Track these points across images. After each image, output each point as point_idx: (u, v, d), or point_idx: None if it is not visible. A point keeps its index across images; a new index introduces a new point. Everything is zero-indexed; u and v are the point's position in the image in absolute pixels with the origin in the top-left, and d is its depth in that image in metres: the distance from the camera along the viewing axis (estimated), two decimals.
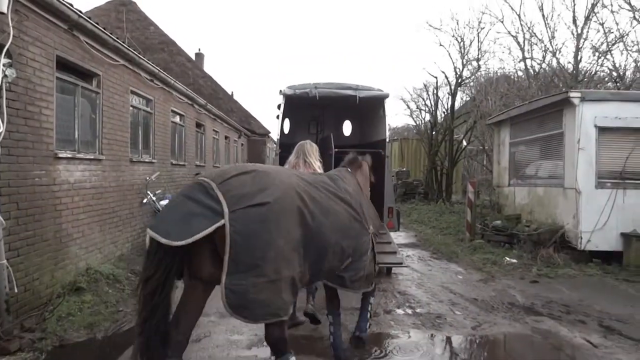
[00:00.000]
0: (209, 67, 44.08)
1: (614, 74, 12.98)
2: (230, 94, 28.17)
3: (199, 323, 4.89)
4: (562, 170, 8.39)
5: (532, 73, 14.81)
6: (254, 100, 75.09)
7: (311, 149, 5.00)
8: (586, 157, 7.85)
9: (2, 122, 4.21)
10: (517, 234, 8.83)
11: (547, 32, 14.18)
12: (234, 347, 4.35)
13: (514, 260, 7.97)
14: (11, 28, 4.35)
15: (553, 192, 8.69)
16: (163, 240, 2.59)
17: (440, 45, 18.91)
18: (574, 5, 13.17)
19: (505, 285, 6.69)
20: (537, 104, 9.30)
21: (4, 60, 4.30)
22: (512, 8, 16.48)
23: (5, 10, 4.24)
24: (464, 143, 18.53)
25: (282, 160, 7.98)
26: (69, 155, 5.75)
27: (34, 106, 4.94)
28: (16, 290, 4.36)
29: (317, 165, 4.95)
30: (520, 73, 15.95)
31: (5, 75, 4.32)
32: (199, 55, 29.01)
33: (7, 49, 4.33)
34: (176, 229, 2.61)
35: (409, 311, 5.46)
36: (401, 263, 7.19)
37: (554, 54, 14.01)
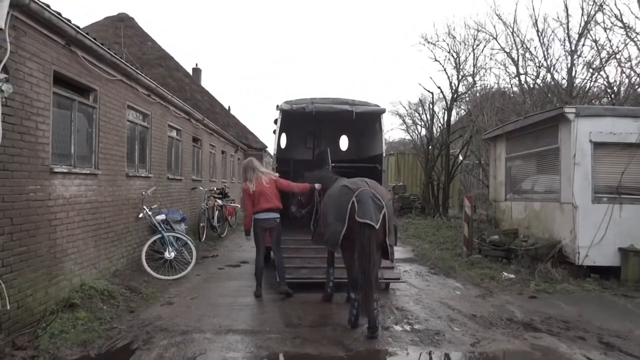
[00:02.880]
0: (206, 82, 44.28)
1: (609, 90, 13.11)
2: (227, 108, 28.31)
3: (194, 340, 4.84)
4: (559, 185, 8.41)
5: (527, 89, 14.95)
6: (251, 115, 75.27)
7: (259, 163, 6.98)
8: (582, 172, 7.88)
9: None
10: (514, 249, 8.81)
11: (542, 48, 14.31)
12: None
13: (512, 276, 7.94)
14: (8, 44, 4.37)
15: (550, 207, 8.70)
16: (375, 225, 4.98)
17: (436, 60, 19.00)
18: (568, 22, 13.35)
19: (504, 301, 6.65)
20: (532, 119, 9.36)
21: (1, 76, 4.30)
22: (505, 25, 16.66)
23: (2, 26, 4.25)
24: (460, 158, 18.59)
25: (280, 174, 7.97)
26: (65, 170, 5.72)
27: (30, 121, 4.93)
28: (9, 307, 4.29)
29: (272, 173, 6.94)
30: (515, 89, 16.10)
31: (1, 91, 4.31)
32: (197, 70, 29.18)
33: (4, 65, 4.34)
34: (374, 218, 4.99)
35: (407, 327, 5.40)
36: (399, 278, 7.16)
37: (548, 70, 14.16)
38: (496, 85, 17.50)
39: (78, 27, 5.67)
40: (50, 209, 5.36)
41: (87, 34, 5.98)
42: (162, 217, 8.45)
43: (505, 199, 10.80)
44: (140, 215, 8.16)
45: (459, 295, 7.05)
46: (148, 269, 7.62)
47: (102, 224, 6.86)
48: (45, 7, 4.87)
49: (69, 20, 5.45)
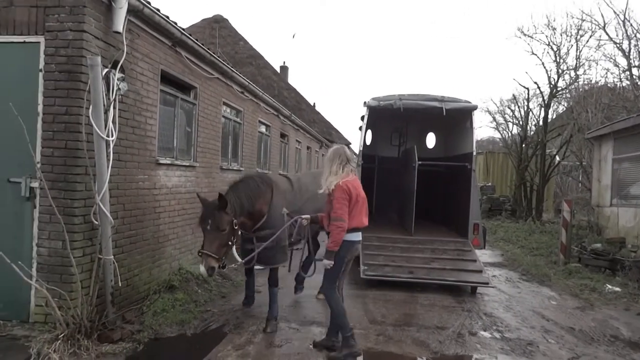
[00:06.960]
0: (292, 79, 45.47)
1: None
2: (312, 105, 28.81)
3: (280, 328, 5.00)
4: None
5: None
6: (335, 111, 76.10)
7: (351, 155, 4.91)
8: None
9: (115, 130, 4.64)
10: (620, 260, 8.01)
11: None
12: (313, 355, 4.37)
13: (617, 289, 7.23)
14: (125, 45, 4.81)
15: None
16: None
17: (533, 53, 17.80)
18: None
19: (607, 316, 6.08)
20: None
21: (118, 75, 4.74)
22: (615, 13, 15.05)
23: (120, 29, 4.69)
24: (558, 158, 17.26)
25: (364, 171, 7.96)
26: (168, 162, 6.19)
27: (140, 116, 5.39)
28: (120, 285, 4.75)
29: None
30: (625, 83, 14.57)
31: (118, 89, 4.76)
32: (284, 68, 30.02)
33: (121, 65, 4.78)
34: None
35: (497, 335, 5.14)
36: (487, 283, 6.84)
37: None
38: (603, 80, 15.98)
39: (183, 29, 6.08)
40: (155, 197, 5.83)
41: (190, 34, 6.40)
42: None
43: (611, 204, 9.85)
44: None
45: (555, 305, 6.57)
46: (238, 258, 7.98)
47: (198, 213, 7.31)
48: (156, 11, 5.28)
49: (175, 23, 5.86)
